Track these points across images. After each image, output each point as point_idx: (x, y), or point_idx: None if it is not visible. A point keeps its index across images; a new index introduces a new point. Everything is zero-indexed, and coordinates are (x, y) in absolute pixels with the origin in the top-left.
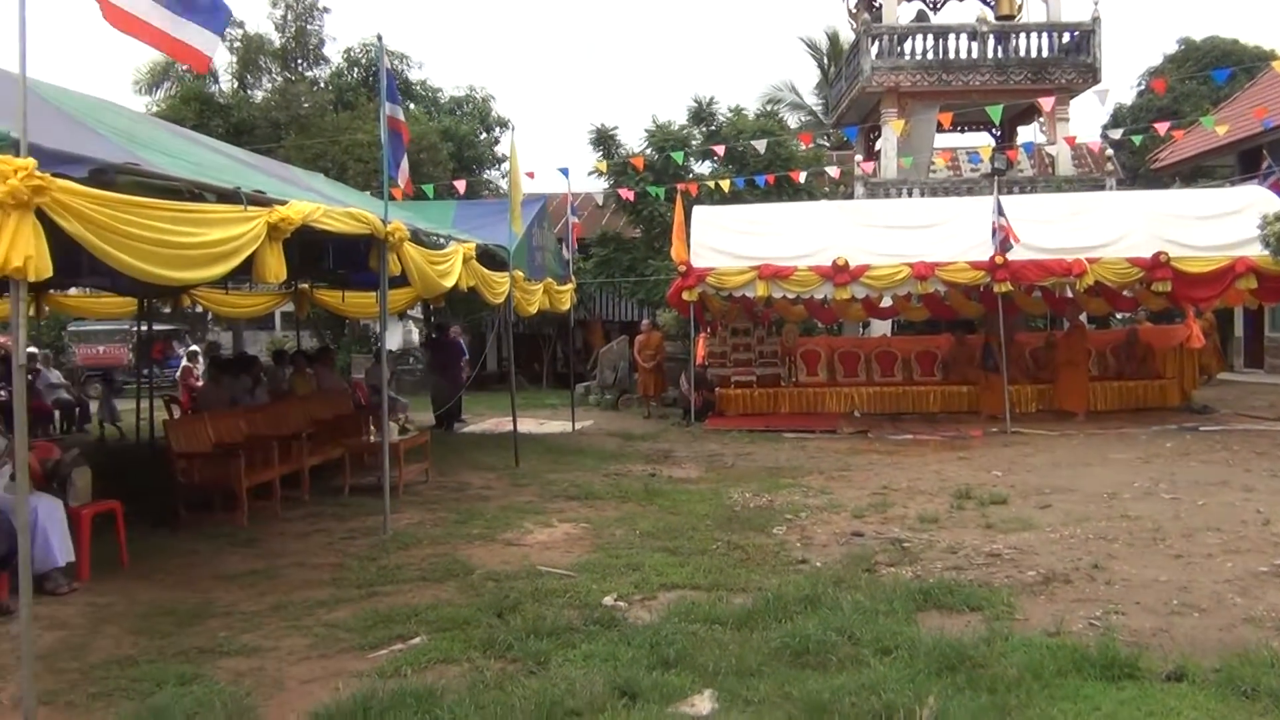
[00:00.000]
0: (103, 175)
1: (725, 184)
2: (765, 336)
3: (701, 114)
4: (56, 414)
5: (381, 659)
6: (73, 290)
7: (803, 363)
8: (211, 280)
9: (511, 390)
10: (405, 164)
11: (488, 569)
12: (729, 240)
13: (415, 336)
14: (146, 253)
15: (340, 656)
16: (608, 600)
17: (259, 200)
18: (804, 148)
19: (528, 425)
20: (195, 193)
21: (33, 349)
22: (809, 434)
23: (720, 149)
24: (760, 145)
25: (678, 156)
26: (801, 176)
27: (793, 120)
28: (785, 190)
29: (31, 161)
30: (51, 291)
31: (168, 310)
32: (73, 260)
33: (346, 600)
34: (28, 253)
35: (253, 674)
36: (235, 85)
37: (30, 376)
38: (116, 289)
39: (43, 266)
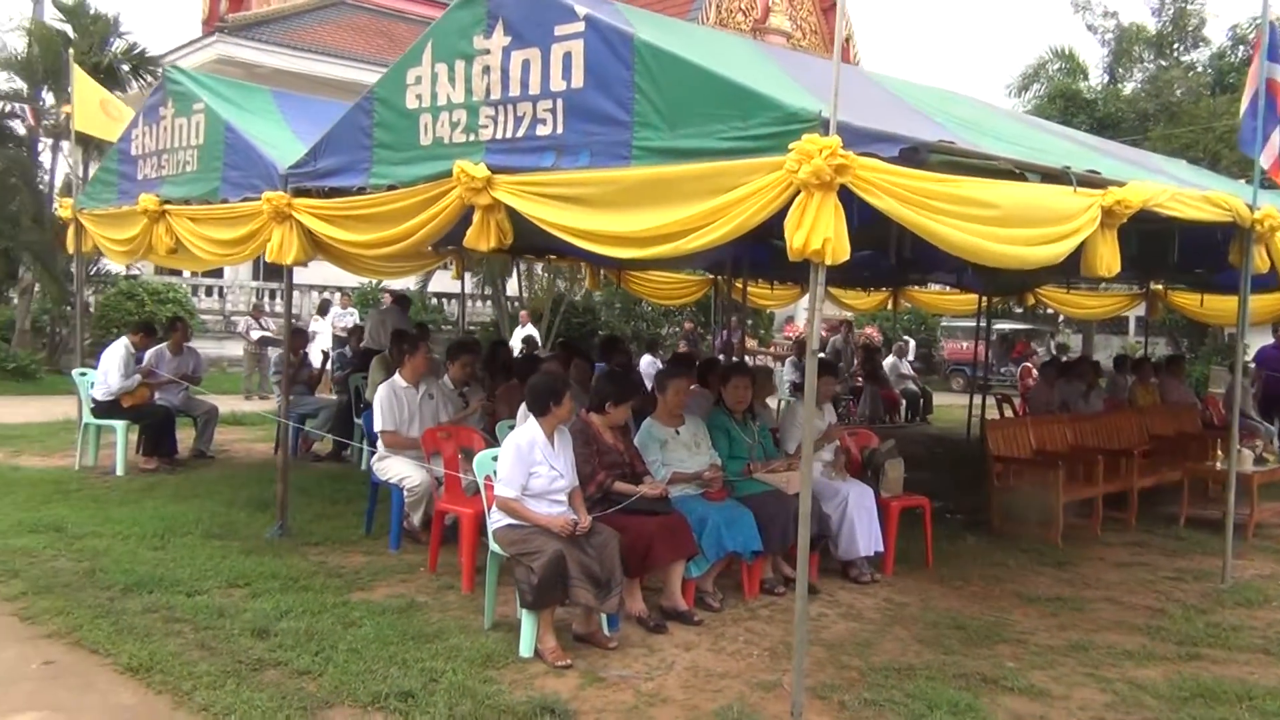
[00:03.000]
0: (914, 154)
1: None
2: None
3: None
4: (903, 403)
5: None
6: (934, 287)
7: None
8: (1039, 264)
9: None
10: None
11: None
12: None
13: None
14: (964, 228)
15: None
16: None
17: (1091, 181)
18: None
19: None
20: (1016, 172)
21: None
22: None
23: None
24: None
25: None
26: None
27: None
28: None
29: (836, 140)
30: (910, 288)
31: (1019, 310)
32: (922, 258)
33: (1160, 657)
34: (826, 234)
35: None
36: (1104, 79)
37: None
38: (960, 285)
39: (840, 250)
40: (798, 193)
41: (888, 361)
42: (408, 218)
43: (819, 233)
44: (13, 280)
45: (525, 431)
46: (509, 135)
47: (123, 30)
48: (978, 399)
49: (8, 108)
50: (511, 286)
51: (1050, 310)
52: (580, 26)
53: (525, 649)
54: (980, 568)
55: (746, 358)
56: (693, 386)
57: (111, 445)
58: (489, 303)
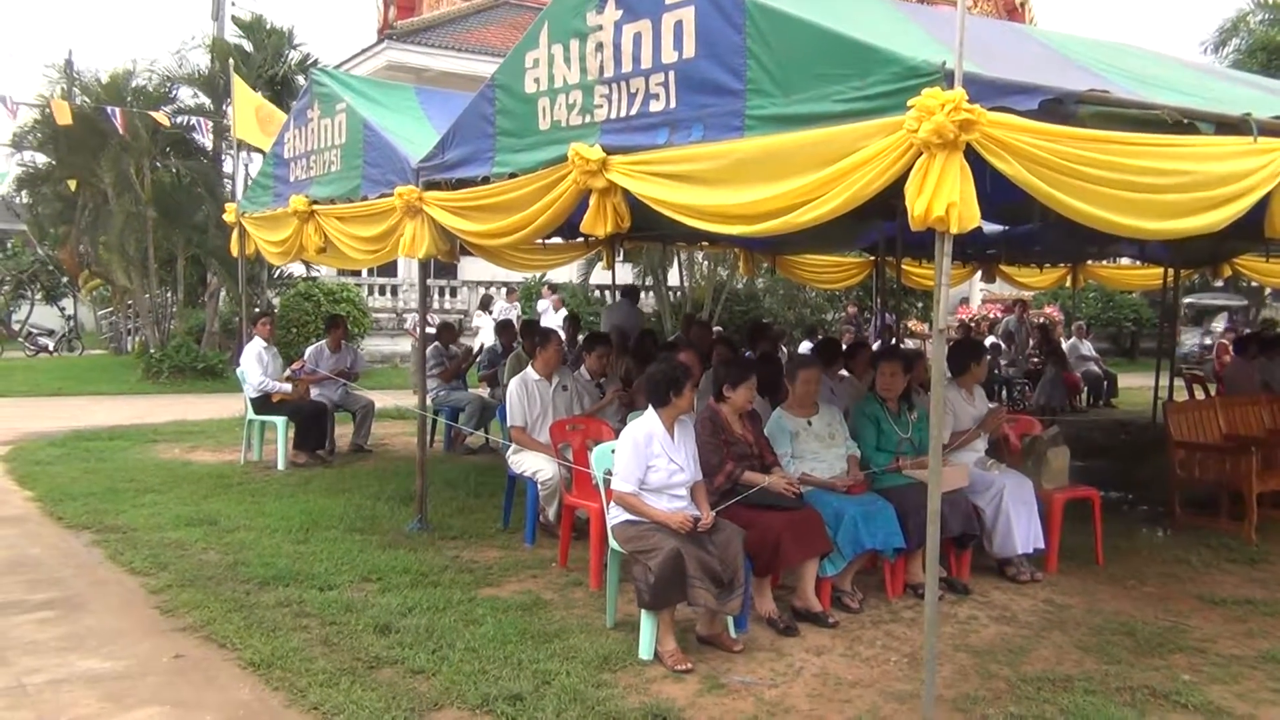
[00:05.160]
0: (1059, 106)
1: None
2: None
3: None
4: (1084, 387)
5: None
6: (1124, 260)
7: None
8: (1200, 231)
9: None
10: None
11: None
12: None
13: None
14: (1103, 196)
15: None
16: None
17: (1278, 130)
18: None
19: None
20: (1185, 123)
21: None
22: None
23: None
24: None
25: None
26: None
27: None
28: None
29: (960, 93)
30: (1091, 263)
31: (1218, 283)
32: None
33: None
34: (951, 199)
35: None
36: None
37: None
38: (1145, 258)
39: (968, 215)
40: (919, 155)
41: (1067, 343)
42: (527, 205)
43: (942, 198)
44: (203, 285)
45: (643, 424)
46: (623, 114)
47: (297, 42)
48: (1164, 380)
49: (190, 121)
50: (674, 276)
51: (1254, 283)
52: None
53: (644, 651)
54: (1158, 565)
55: (910, 341)
56: (843, 374)
57: (276, 441)
58: (651, 293)
